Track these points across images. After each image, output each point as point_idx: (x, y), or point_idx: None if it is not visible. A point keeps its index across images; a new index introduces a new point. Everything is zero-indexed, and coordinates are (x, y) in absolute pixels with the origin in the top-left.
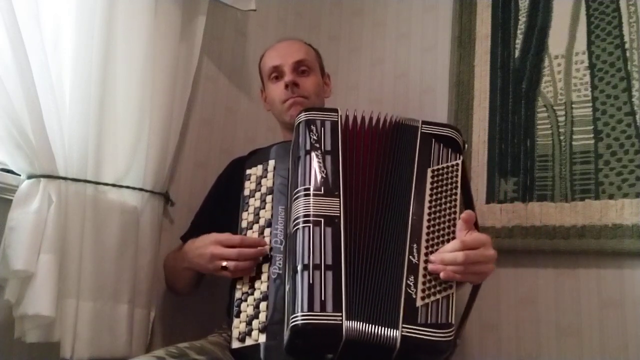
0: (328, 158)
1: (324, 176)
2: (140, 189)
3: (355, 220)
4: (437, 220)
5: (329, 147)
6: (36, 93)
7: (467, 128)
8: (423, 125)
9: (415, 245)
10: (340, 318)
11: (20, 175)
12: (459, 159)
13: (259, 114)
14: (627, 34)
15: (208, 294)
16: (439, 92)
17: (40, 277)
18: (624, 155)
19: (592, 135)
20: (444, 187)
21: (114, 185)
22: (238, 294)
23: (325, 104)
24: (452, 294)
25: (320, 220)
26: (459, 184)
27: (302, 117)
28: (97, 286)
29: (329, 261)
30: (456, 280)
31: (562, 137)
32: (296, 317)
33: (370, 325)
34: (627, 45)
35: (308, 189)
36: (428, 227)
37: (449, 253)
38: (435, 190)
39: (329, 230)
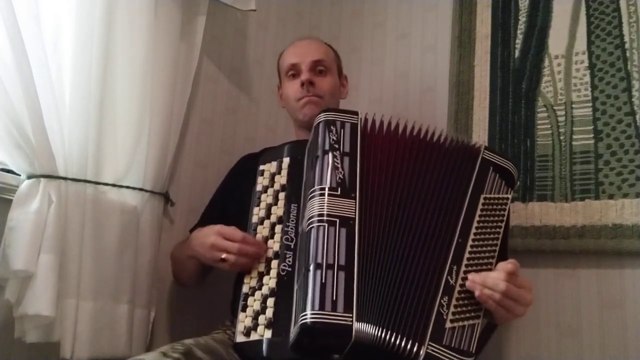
0: (346, 159)
1: (341, 177)
2: (140, 189)
3: (371, 224)
4: (479, 249)
5: (347, 149)
6: (36, 93)
7: (467, 128)
8: (485, 151)
9: (455, 267)
10: (351, 319)
11: (20, 175)
12: (510, 193)
13: (259, 114)
14: (627, 34)
15: (208, 294)
16: (439, 92)
17: (40, 277)
18: (624, 155)
19: (592, 135)
20: (491, 218)
21: (114, 185)
22: (245, 289)
23: (340, 105)
24: (478, 324)
25: (335, 221)
26: (504, 218)
27: (322, 117)
28: (97, 286)
29: (342, 262)
30: (487, 307)
31: (562, 137)
32: (306, 315)
33: (385, 331)
34: (627, 45)
35: (324, 189)
36: (470, 253)
37: (492, 278)
38: (483, 219)
39: (343, 231)
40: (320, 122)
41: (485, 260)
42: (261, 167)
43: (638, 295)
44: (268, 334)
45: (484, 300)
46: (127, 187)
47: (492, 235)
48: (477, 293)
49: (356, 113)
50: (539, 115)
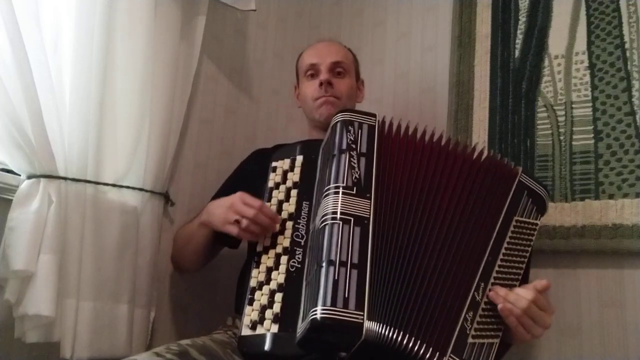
0: (363, 160)
1: (357, 177)
2: (140, 189)
3: (385, 225)
4: (506, 270)
5: (364, 150)
6: (36, 93)
7: (467, 128)
8: (522, 174)
9: (482, 284)
10: (362, 317)
11: (20, 175)
12: (539, 220)
13: (259, 114)
14: (627, 34)
15: (209, 294)
16: (439, 92)
17: (40, 277)
18: (624, 155)
19: (592, 135)
20: (520, 241)
21: (114, 185)
22: (253, 283)
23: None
24: (496, 343)
25: (350, 219)
26: (532, 244)
27: (339, 117)
28: (97, 286)
29: (355, 260)
30: (508, 322)
31: (562, 137)
32: (316, 310)
33: (398, 332)
34: (627, 45)
35: (339, 187)
36: (497, 272)
37: (515, 293)
38: (513, 240)
39: (357, 229)
40: (338, 121)
41: (510, 283)
42: (274, 164)
43: (638, 295)
44: (274, 328)
45: (506, 314)
46: (127, 187)
47: (519, 259)
48: (500, 306)
49: (374, 115)
50: (539, 115)
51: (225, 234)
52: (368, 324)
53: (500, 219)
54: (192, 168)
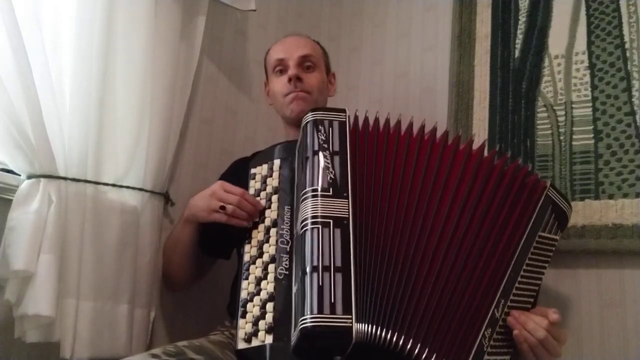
0: (336, 159)
1: (333, 177)
2: (140, 189)
3: (368, 223)
4: (525, 287)
5: (337, 148)
6: (36, 93)
7: (467, 128)
8: (550, 188)
9: (502, 301)
10: (350, 320)
11: (20, 175)
12: (559, 235)
13: (259, 114)
14: (627, 34)
15: (208, 294)
16: (439, 92)
17: (40, 277)
18: (624, 155)
19: (592, 135)
20: (540, 257)
21: (114, 185)
22: (244, 294)
23: (328, 102)
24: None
25: (329, 222)
26: (549, 259)
27: (310, 116)
28: (97, 286)
29: (338, 263)
30: (520, 348)
31: (562, 137)
32: (305, 319)
33: (392, 333)
34: (627, 45)
35: (316, 190)
36: (517, 289)
37: (533, 322)
38: (534, 257)
39: (338, 231)
40: (308, 122)
41: (526, 299)
42: (252, 171)
43: (638, 295)
44: (269, 339)
45: (520, 341)
46: (127, 187)
47: (537, 275)
48: (515, 332)
49: (344, 111)
50: (539, 115)
51: (214, 243)
52: (357, 327)
53: (526, 233)
54: (192, 168)
